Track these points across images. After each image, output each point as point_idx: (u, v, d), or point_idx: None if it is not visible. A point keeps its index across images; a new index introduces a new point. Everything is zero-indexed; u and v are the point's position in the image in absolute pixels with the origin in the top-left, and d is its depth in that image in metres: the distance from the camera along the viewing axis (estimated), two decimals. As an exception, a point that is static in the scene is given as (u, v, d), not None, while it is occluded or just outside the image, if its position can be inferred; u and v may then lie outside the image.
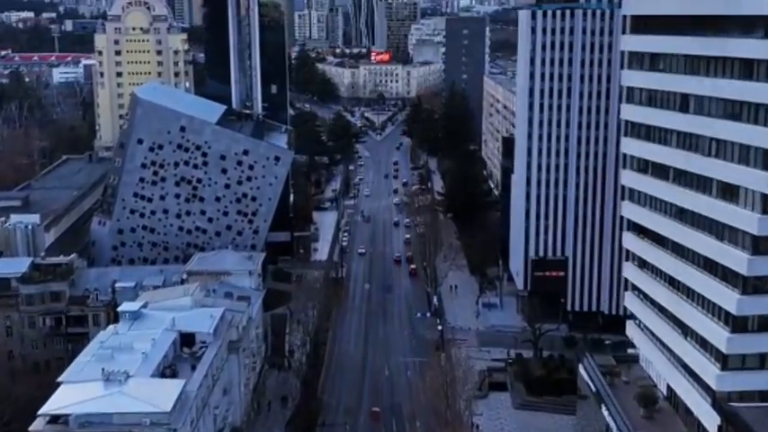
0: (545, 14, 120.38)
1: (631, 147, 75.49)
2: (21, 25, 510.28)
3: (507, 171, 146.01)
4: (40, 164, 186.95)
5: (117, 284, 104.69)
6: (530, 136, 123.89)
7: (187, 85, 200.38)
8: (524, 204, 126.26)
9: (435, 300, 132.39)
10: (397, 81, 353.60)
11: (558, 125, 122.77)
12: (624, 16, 76.44)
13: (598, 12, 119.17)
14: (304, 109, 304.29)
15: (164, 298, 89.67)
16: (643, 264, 75.96)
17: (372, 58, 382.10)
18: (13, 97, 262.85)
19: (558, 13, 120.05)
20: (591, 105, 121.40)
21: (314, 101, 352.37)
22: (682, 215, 68.08)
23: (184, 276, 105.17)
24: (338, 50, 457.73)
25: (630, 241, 78.14)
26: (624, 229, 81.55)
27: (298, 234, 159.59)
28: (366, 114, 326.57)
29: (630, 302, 79.69)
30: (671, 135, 68.69)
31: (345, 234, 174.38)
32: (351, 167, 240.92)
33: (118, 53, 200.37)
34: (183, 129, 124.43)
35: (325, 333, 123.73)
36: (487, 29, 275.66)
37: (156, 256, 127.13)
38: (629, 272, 79.31)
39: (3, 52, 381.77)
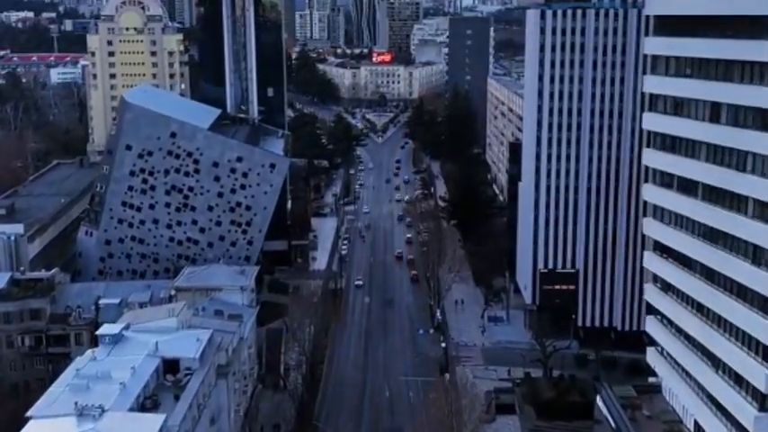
0: (555, 14, 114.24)
1: (654, 159, 69.09)
2: (20, 25, 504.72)
3: (514, 178, 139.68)
4: (34, 166, 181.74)
5: (101, 301, 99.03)
6: (538, 140, 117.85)
7: (183, 87, 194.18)
8: (532, 213, 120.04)
9: (438, 313, 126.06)
10: (398, 82, 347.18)
11: (569, 129, 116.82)
12: (647, 16, 69.99)
13: (611, 11, 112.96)
14: (304, 110, 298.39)
15: (147, 319, 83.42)
16: (667, 287, 69.61)
17: (374, 58, 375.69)
18: (9, 98, 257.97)
19: (569, 12, 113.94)
20: (603, 108, 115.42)
21: (314, 102, 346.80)
22: (712, 236, 61.72)
23: (172, 293, 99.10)
24: (339, 51, 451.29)
25: (653, 262, 71.73)
26: (646, 248, 75.10)
27: (295, 243, 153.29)
28: (367, 116, 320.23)
29: (652, 328, 73.32)
30: (700, 147, 62.35)
31: (345, 242, 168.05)
32: (351, 171, 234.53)
33: (111, 54, 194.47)
34: (173, 134, 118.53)
35: (323, 350, 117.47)
36: (492, 29, 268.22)
37: (146, 268, 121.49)
38: (652, 295, 72.92)
39: (1, 52, 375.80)
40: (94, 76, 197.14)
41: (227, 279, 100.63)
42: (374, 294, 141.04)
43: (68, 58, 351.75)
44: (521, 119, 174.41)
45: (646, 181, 71.86)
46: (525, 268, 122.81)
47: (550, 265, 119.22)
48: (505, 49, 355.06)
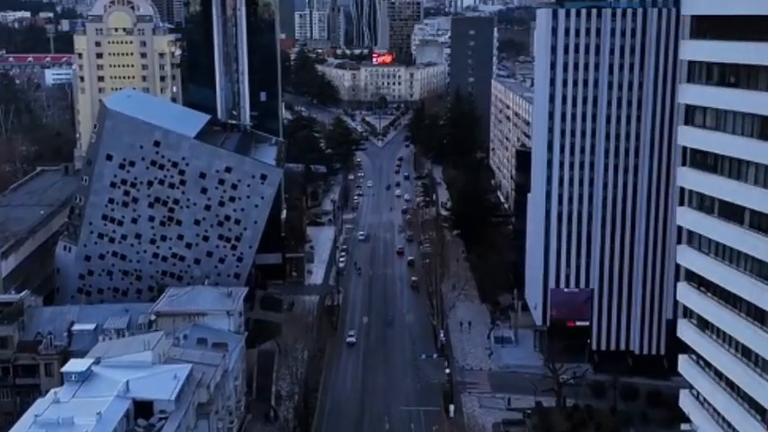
0: (568, 14, 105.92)
1: (691, 180, 60.67)
2: (16, 25, 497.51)
3: (522, 187, 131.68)
4: (24, 171, 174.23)
5: (74, 327, 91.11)
6: (550, 147, 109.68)
7: (174, 90, 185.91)
8: (543, 226, 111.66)
9: (442, 335, 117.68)
10: (399, 83, 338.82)
11: (583, 135, 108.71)
12: (684, 17, 61.58)
13: (629, 11, 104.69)
14: (302, 113, 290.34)
15: (121, 351, 75.35)
16: (705, 325, 61.26)
17: (374, 59, 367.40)
18: (1, 100, 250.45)
19: (583, 12, 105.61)
20: (620, 114, 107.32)
21: (313, 104, 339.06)
22: (761, 271, 53.32)
23: (152, 317, 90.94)
24: (339, 51, 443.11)
25: (688, 295, 63.41)
26: (681, 278, 66.71)
27: (290, 255, 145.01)
28: (367, 119, 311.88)
29: (686, 369, 65.05)
30: (747, 168, 53.94)
31: (343, 254, 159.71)
32: (350, 177, 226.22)
33: (99, 56, 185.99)
34: (157, 143, 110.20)
35: (318, 375, 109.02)
36: (495, 29, 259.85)
37: (128, 286, 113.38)
38: (686, 332, 64.63)
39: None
40: (82, 79, 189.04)
41: (213, 302, 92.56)
42: (373, 312, 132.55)
43: (64, 59, 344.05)
44: (527, 124, 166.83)
45: (681, 203, 63.43)
46: (535, 286, 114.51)
47: (563, 284, 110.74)
48: (507, 50, 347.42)
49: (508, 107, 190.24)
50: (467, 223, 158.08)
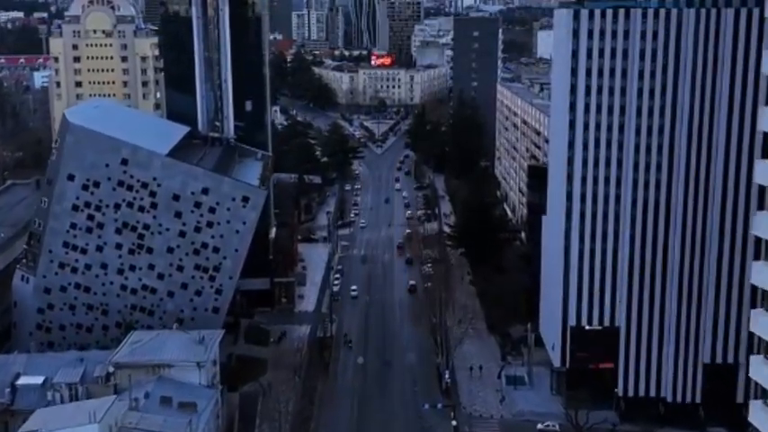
0: (591, 15, 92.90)
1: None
2: (9, 26, 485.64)
3: (535, 207, 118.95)
4: (2, 179, 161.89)
5: (19, 381, 78.19)
6: (570, 161, 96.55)
7: (158, 96, 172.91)
8: (562, 253, 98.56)
9: (447, 376, 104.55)
10: (399, 87, 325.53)
11: (608, 147, 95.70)
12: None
13: (662, 12, 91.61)
14: (298, 117, 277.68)
15: (63, 423, 62.41)
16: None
17: (373, 61, 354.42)
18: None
19: (609, 13, 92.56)
20: (652, 124, 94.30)
21: (310, 107, 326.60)
22: None
23: (111, 369, 77.98)
24: (337, 52, 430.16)
25: (765, 325, 50.45)
26: (758, 303, 53.88)
27: (279, 280, 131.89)
28: (365, 124, 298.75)
29: (758, 417, 52.22)
30: None
31: (337, 276, 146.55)
32: (347, 187, 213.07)
33: (77, 60, 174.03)
34: (125, 161, 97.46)
35: (307, 423, 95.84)
36: (500, 30, 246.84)
37: (93, 321, 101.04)
38: (761, 372, 51.78)
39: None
40: (58, 84, 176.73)
41: (181, 351, 79.58)
42: (370, 347, 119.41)
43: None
44: (537, 133, 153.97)
45: (756, 258, 50.38)
46: (552, 323, 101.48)
47: (584, 321, 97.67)
48: (509, 51, 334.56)
49: (516, 114, 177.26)
50: (472, 241, 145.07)
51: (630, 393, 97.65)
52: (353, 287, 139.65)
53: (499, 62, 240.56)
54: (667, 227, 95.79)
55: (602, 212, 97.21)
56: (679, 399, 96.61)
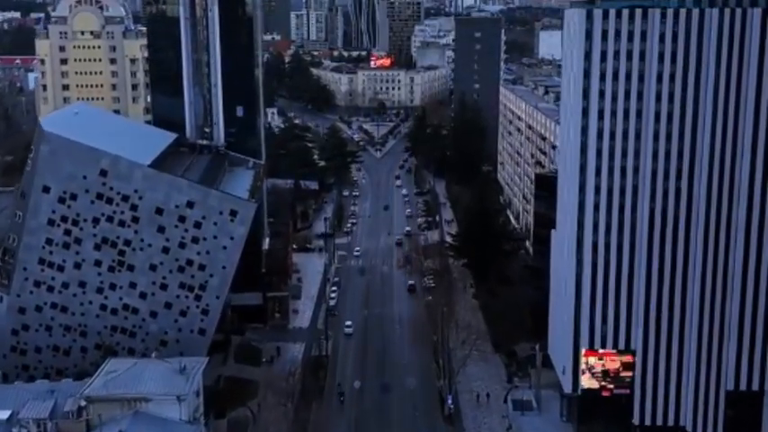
0: (606, 15, 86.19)
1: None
2: (5, 26, 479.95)
3: (543, 219, 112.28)
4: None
5: (-17, 416, 71.04)
6: (583, 169, 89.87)
7: (149, 99, 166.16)
8: (573, 272, 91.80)
9: (450, 401, 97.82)
10: (399, 88, 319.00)
11: (624, 155, 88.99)
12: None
13: (682, 12, 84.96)
14: (296, 120, 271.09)
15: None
16: None
17: (372, 62, 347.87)
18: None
19: (625, 13, 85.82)
20: (671, 130, 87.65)
21: (308, 109, 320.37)
22: None
23: (83, 403, 71.19)
24: (336, 53, 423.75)
25: None
26: None
27: (272, 294, 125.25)
28: (364, 126, 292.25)
29: None
30: None
31: (334, 288, 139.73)
32: (345, 193, 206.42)
33: (64, 62, 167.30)
34: (104, 173, 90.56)
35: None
36: (503, 31, 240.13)
37: (71, 343, 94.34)
38: None
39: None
40: (44, 87, 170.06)
41: (160, 384, 72.57)
42: (367, 368, 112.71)
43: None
44: (543, 139, 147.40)
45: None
46: (562, 345, 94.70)
47: (597, 344, 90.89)
48: (510, 51, 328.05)
49: (520, 118, 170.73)
50: (475, 251, 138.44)
51: (648, 422, 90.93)
52: (348, 323, 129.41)
53: (502, 64, 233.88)
54: (687, 241, 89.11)
55: (616, 224, 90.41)
56: (700, 428, 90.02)
